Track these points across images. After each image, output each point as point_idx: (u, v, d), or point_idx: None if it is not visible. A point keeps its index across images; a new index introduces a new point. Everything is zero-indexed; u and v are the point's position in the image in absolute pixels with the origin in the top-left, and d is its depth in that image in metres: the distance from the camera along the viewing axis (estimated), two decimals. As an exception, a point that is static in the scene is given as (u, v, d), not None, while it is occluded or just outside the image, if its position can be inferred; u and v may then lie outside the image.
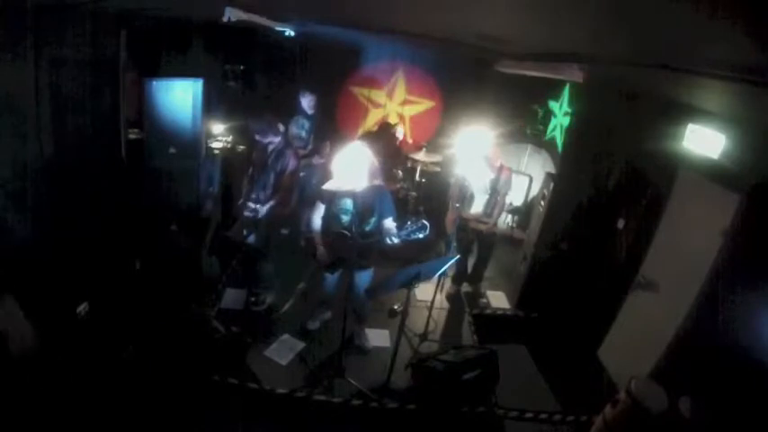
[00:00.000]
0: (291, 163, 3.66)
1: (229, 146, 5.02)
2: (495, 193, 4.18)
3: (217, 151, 4.89)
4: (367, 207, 3.15)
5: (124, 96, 3.85)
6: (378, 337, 3.85)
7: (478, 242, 4.48)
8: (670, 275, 3.26)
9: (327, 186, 3.29)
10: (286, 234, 5.01)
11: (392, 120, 6.29)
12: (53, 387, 2.69)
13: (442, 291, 4.33)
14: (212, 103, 4.72)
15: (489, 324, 4.33)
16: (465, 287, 4.74)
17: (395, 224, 3.15)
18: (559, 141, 5.03)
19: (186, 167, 4.35)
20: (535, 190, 5.50)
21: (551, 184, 4.22)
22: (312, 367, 3.47)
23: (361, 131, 6.35)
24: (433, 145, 5.80)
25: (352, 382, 3.27)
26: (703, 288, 2.80)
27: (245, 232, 3.79)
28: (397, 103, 6.32)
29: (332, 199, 3.26)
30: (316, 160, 4.88)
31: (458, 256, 4.05)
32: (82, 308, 3.21)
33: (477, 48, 3.70)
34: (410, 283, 2.96)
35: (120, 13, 3.59)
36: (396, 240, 3.03)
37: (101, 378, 2.89)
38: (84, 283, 3.27)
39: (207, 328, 3.65)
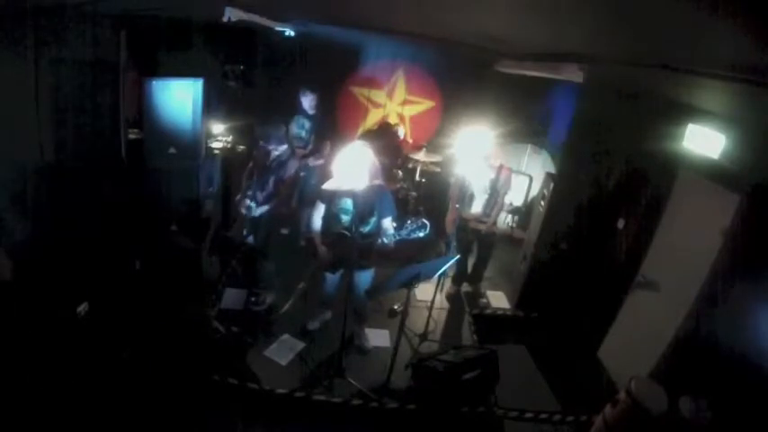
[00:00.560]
0: (292, 171, 3.67)
1: (229, 146, 5.01)
2: (495, 192, 4.18)
3: (217, 151, 4.88)
4: (367, 207, 3.15)
5: (124, 96, 3.84)
6: (378, 337, 3.85)
7: (478, 242, 4.48)
8: (670, 275, 3.26)
9: (327, 186, 3.29)
10: (286, 234, 5.01)
11: (392, 120, 6.29)
12: (53, 387, 2.69)
13: (441, 291, 4.33)
14: (212, 103, 4.71)
15: (489, 324, 4.33)
16: (465, 287, 4.74)
17: (394, 224, 3.15)
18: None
19: (186, 167, 4.34)
20: (535, 190, 5.50)
21: (551, 184, 4.22)
22: (312, 367, 3.47)
23: (361, 131, 6.35)
24: (433, 145, 5.79)
25: (352, 382, 3.27)
26: (703, 288, 2.80)
27: (245, 232, 3.79)
28: (397, 103, 6.32)
29: (332, 199, 3.26)
30: (316, 160, 4.88)
31: (458, 256, 4.05)
32: (82, 308, 3.21)
33: (477, 48, 3.71)
34: (410, 283, 2.96)
35: (120, 13, 3.59)
36: (396, 238, 3.03)
37: (101, 378, 2.89)
38: (84, 283, 3.26)
39: (207, 328, 3.66)
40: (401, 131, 5.85)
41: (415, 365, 3.34)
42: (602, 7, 1.33)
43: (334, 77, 5.92)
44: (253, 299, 4.05)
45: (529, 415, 3.24)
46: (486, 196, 4.19)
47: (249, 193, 3.68)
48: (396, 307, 3.38)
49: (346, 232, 3.15)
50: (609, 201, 4.01)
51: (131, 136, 4.17)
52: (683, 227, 3.27)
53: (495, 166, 4.15)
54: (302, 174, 4.41)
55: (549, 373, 3.68)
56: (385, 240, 3.02)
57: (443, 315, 4.38)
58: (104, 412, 2.69)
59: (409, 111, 6.36)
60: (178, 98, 4.15)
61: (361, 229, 3.15)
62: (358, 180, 3.07)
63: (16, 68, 2.85)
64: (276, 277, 4.11)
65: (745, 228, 2.59)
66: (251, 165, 3.81)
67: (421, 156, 5.59)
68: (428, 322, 3.90)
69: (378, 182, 3.21)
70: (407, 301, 3.07)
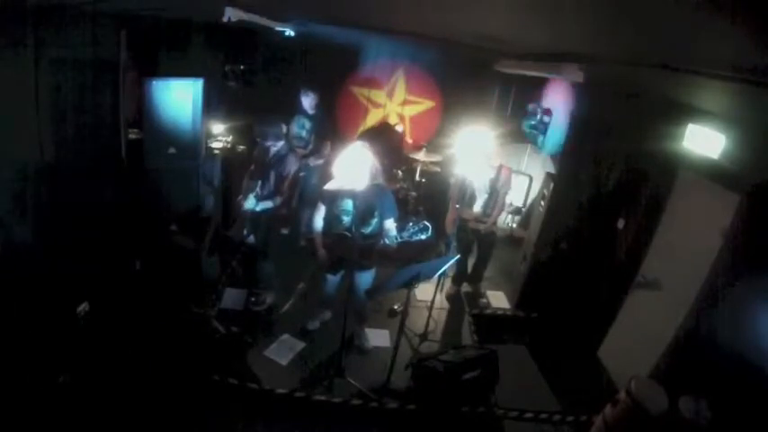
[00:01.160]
0: (292, 167, 3.66)
1: (229, 146, 5.02)
2: (495, 192, 4.18)
3: (217, 151, 4.88)
4: (368, 207, 3.15)
5: (124, 96, 3.84)
6: (378, 337, 3.85)
7: (478, 242, 4.48)
8: (670, 275, 3.26)
9: (328, 187, 3.29)
10: (286, 234, 5.01)
11: (392, 120, 6.29)
12: (53, 387, 2.69)
13: (441, 291, 4.33)
14: (212, 103, 4.71)
15: (489, 324, 4.33)
16: (465, 287, 4.74)
17: (396, 225, 3.15)
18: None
19: (186, 167, 4.34)
20: (535, 190, 5.50)
21: (551, 184, 4.23)
22: (312, 367, 3.47)
23: (361, 131, 6.35)
24: (433, 145, 5.79)
25: (352, 382, 3.27)
26: (703, 288, 2.80)
27: (245, 232, 3.79)
28: (397, 103, 6.32)
29: (333, 200, 3.26)
30: (316, 160, 4.88)
31: (458, 256, 4.05)
32: (82, 308, 3.21)
33: (477, 48, 3.71)
34: (410, 283, 2.96)
35: (120, 13, 3.58)
36: (398, 240, 3.03)
37: (101, 378, 2.89)
38: (84, 283, 3.26)
39: (207, 328, 3.66)
40: (401, 131, 5.84)
41: (415, 365, 3.34)
42: (603, 7, 1.32)
43: (334, 77, 5.93)
44: (253, 299, 4.05)
45: (529, 415, 3.24)
46: (486, 196, 4.19)
47: (251, 193, 3.67)
48: (396, 307, 3.38)
49: (347, 233, 3.15)
50: (609, 201, 4.01)
51: (131, 136, 4.17)
52: (683, 227, 3.27)
53: (494, 165, 4.15)
54: (302, 174, 4.41)
55: (549, 373, 3.68)
56: (387, 242, 3.02)
57: (443, 315, 4.38)
58: (104, 412, 2.69)
59: (409, 111, 6.35)
60: (178, 98, 4.15)
61: (362, 230, 3.15)
62: (358, 181, 3.07)
63: (16, 68, 2.85)
64: (276, 277, 4.11)
65: (745, 228, 2.59)
66: (252, 167, 3.81)
67: (421, 156, 5.59)
68: (428, 322, 3.90)
69: (378, 182, 3.20)
70: (407, 301, 3.07)
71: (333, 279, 3.58)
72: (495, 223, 4.37)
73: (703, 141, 2.80)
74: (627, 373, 2.85)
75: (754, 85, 1.61)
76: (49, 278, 2.97)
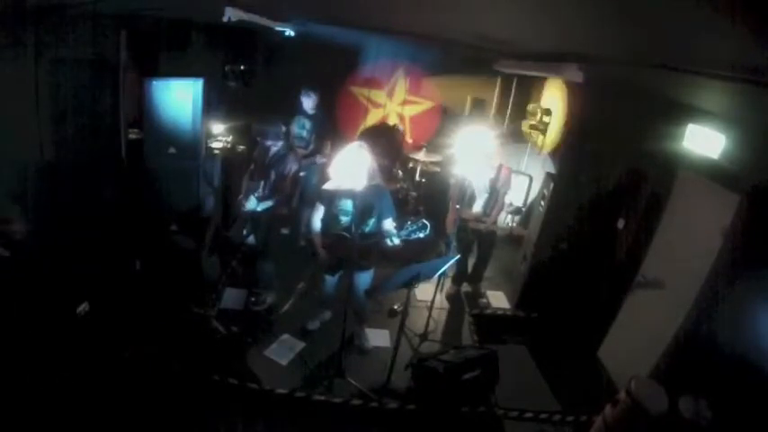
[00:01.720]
0: (293, 167, 3.66)
1: (229, 146, 5.02)
2: (495, 192, 4.18)
3: (217, 151, 4.88)
4: (366, 207, 3.14)
5: (124, 96, 3.84)
6: (378, 337, 3.85)
7: (478, 242, 4.48)
8: (670, 275, 3.26)
9: (327, 187, 3.29)
10: (286, 234, 5.01)
11: (392, 120, 6.28)
12: (53, 387, 2.69)
13: (441, 291, 4.33)
14: (212, 103, 4.71)
15: (489, 324, 4.32)
16: (465, 287, 4.74)
17: (395, 224, 3.15)
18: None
19: (186, 167, 4.35)
20: (535, 190, 5.50)
21: (551, 184, 4.22)
22: (312, 367, 3.47)
23: (361, 130, 6.35)
24: (432, 145, 5.80)
25: (352, 382, 3.27)
26: (703, 288, 2.80)
27: (245, 232, 3.79)
28: (397, 103, 6.32)
29: (331, 200, 3.26)
30: (317, 160, 4.88)
31: (458, 256, 4.05)
32: (82, 308, 3.21)
33: (477, 48, 3.71)
34: (410, 283, 2.96)
35: (120, 13, 3.59)
36: (396, 241, 3.03)
37: (101, 378, 2.89)
38: (84, 283, 3.26)
39: (207, 328, 3.66)
40: (401, 131, 5.85)
41: (415, 365, 3.34)
42: (603, 7, 1.33)
43: (334, 77, 5.93)
44: (253, 299, 4.05)
45: (529, 415, 3.24)
46: (486, 196, 4.19)
47: (251, 195, 3.67)
48: (396, 307, 3.38)
49: (346, 233, 3.15)
50: (609, 201, 4.01)
51: (131, 136, 4.17)
52: (683, 227, 3.27)
53: (494, 165, 4.15)
54: (302, 174, 4.41)
55: (549, 373, 3.68)
56: (395, 240, 3.02)
57: (443, 315, 4.38)
58: (105, 412, 2.69)
59: (409, 111, 6.36)
60: (178, 98, 4.15)
61: (361, 230, 3.15)
62: (356, 181, 3.07)
63: (16, 68, 2.85)
64: (276, 277, 4.11)
65: (745, 228, 2.59)
66: (252, 167, 3.81)
67: (421, 156, 5.59)
68: (428, 322, 3.90)
69: (376, 182, 3.20)
70: (407, 301, 3.07)
71: (331, 279, 3.58)
72: (495, 222, 4.37)
73: (703, 141, 2.80)
74: (627, 373, 2.85)
75: (754, 85, 1.61)
76: (49, 278, 2.97)
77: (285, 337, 3.74)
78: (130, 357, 3.12)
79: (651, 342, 3.12)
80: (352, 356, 3.60)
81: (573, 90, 4.76)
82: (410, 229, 2.95)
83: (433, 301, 3.87)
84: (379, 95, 6.28)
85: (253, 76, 5.66)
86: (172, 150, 4.22)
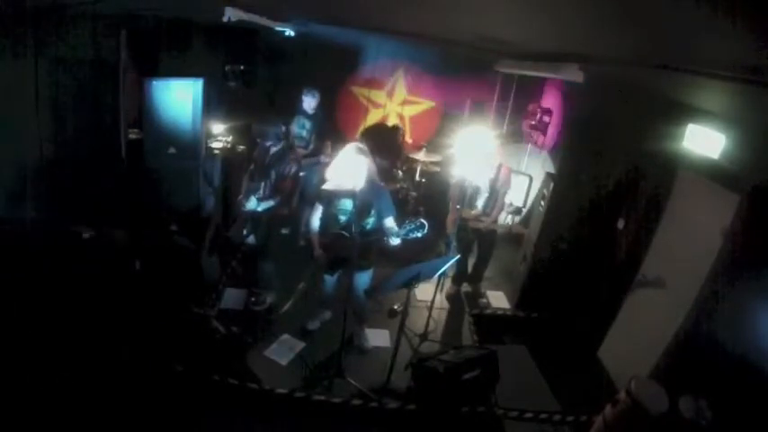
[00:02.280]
0: (293, 167, 3.66)
1: (229, 146, 5.02)
2: (495, 192, 4.18)
3: (217, 151, 4.88)
4: (365, 207, 3.14)
5: (124, 96, 3.84)
6: (378, 337, 3.85)
7: (479, 241, 4.48)
8: (670, 275, 3.26)
9: (326, 187, 3.29)
10: (286, 234, 5.01)
11: (392, 120, 6.28)
12: (53, 387, 2.69)
13: (441, 291, 4.32)
14: (212, 103, 4.71)
15: (489, 324, 4.32)
16: (465, 287, 4.74)
17: (395, 223, 3.15)
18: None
19: (186, 167, 4.35)
20: (535, 190, 5.50)
21: (551, 184, 4.22)
22: (312, 367, 3.47)
23: (361, 130, 6.36)
24: (432, 145, 5.80)
25: (352, 382, 3.27)
26: (703, 288, 2.80)
27: (245, 232, 3.79)
28: (397, 103, 6.32)
29: (330, 199, 3.26)
30: (321, 159, 4.88)
31: (458, 256, 4.05)
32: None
33: (477, 48, 3.71)
34: (410, 283, 2.96)
35: (120, 13, 3.59)
36: (396, 240, 3.03)
37: (101, 378, 2.89)
38: (84, 283, 3.26)
39: (207, 328, 3.66)
40: (401, 131, 5.84)
41: (415, 365, 3.34)
42: (603, 7, 1.33)
43: (334, 77, 5.93)
44: (253, 299, 4.05)
45: (529, 415, 3.24)
46: (486, 196, 4.19)
47: (252, 195, 3.67)
48: (396, 307, 3.38)
49: (344, 233, 3.15)
50: (609, 201, 4.01)
51: (131, 136, 4.17)
52: (683, 227, 3.27)
53: (494, 165, 4.15)
54: (302, 173, 4.41)
55: (549, 374, 3.68)
56: (395, 240, 3.02)
57: (443, 315, 4.38)
58: (105, 412, 2.69)
59: (409, 111, 6.36)
60: (178, 98, 4.15)
61: (360, 229, 3.15)
62: (355, 180, 3.07)
63: (16, 68, 2.85)
64: (276, 277, 4.11)
65: (745, 228, 2.59)
66: (252, 167, 3.81)
67: (421, 156, 5.59)
68: (428, 322, 3.90)
69: (375, 181, 3.20)
70: (407, 301, 3.07)
71: (331, 279, 3.58)
72: (495, 221, 4.37)
73: (703, 141, 2.80)
74: (627, 373, 2.85)
75: (754, 85, 1.61)
76: (49, 278, 2.98)
77: (285, 337, 3.74)
78: (130, 357, 3.12)
79: (651, 342, 3.12)
80: (352, 356, 3.60)
81: (573, 90, 4.76)
82: (408, 228, 2.95)
83: (432, 301, 3.87)
84: (379, 95, 6.28)
85: (253, 76, 5.66)
86: (172, 150, 4.22)
